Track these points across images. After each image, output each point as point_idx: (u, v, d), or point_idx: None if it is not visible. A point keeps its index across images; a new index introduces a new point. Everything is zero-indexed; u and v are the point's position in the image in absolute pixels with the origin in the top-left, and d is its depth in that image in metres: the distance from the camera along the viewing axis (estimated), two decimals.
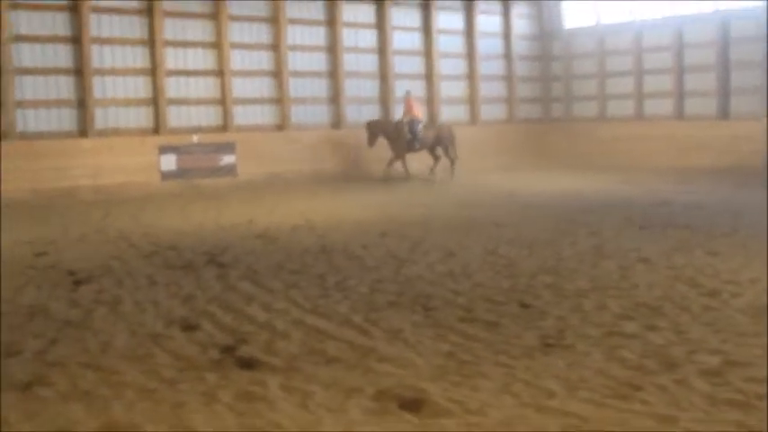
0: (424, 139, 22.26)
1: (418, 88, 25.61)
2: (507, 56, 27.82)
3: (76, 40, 19.70)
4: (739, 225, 12.31)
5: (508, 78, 27.85)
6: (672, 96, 25.19)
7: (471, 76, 26.86)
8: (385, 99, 24.82)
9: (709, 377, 5.41)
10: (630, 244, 10.87)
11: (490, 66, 27.34)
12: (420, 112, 22.89)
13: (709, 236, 11.36)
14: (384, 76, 24.78)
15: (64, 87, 19.74)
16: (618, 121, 26.49)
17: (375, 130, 22.25)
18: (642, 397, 5.10)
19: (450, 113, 26.27)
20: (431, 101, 25.81)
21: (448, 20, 26.33)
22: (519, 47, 28.08)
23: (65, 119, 19.81)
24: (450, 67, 26.34)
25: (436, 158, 22.84)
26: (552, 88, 28.81)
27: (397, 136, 21.97)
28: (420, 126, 22.12)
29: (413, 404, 5.07)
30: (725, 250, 10.17)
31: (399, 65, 25.15)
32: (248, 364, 6.01)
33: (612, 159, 24.74)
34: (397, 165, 22.27)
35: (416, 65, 25.73)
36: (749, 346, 6.06)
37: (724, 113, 24.01)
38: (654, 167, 23.18)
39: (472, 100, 26.89)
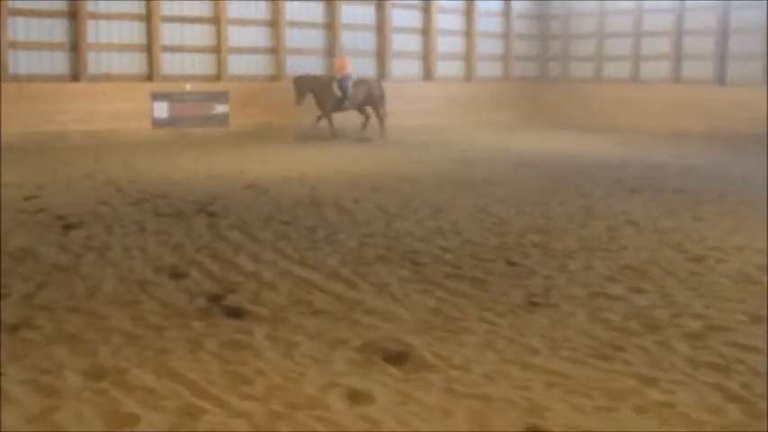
0: (355, 97, 20.93)
1: (415, 43, 25.45)
2: (506, 13, 27.61)
3: None
4: (729, 191, 12.35)
5: (506, 36, 27.68)
6: (669, 59, 25.09)
7: (468, 32, 26.67)
8: (381, 52, 24.65)
9: (691, 340, 5.48)
10: (620, 206, 10.90)
11: (488, 22, 27.15)
12: (350, 68, 21.34)
13: (698, 201, 11.40)
14: (381, 29, 24.59)
15: (58, 30, 19.55)
16: (614, 82, 26.39)
17: (303, 86, 20.64)
18: (624, 357, 5.16)
19: (445, 69, 26.14)
20: (427, 56, 25.66)
21: None
22: (518, 5, 27.86)
23: (58, 62, 19.65)
24: (447, 22, 26.14)
25: (366, 117, 21.44)
26: (550, 47, 28.66)
27: (327, 94, 20.63)
28: (350, 84, 20.77)
29: (397, 357, 5.12)
30: (713, 216, 10.22)
31: (397, 19, 24.94)
32: (235, 313, 6.05)
33: (608, 121, 24.71)
34: (323, 124, 20.93)
35: (414, 19, 25.52)
36: (732, 312, 6.12)
37: (721, 79, 23.94)
38: (649, 130, 23.17)
39: (468, 56, 26.74)
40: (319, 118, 20.73)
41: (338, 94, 20.65)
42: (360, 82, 21.19)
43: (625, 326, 5.79)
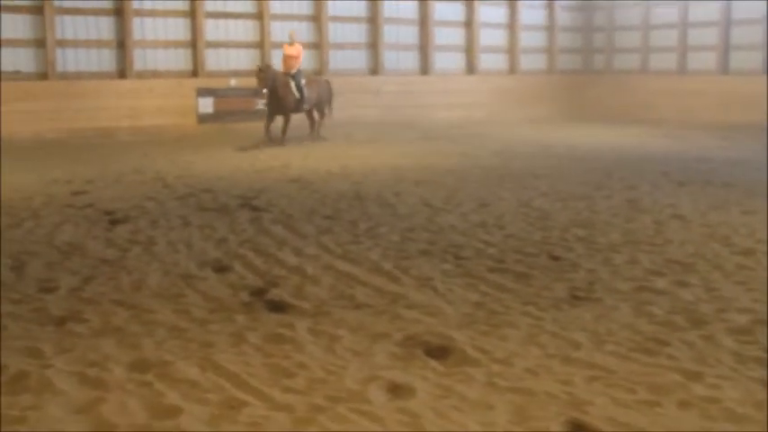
0: (310, 98, 18.67)
1: (458, 37, 25.36)
2: (549, 5, 27.39)
3: None
4: None
5: (549, 28, 27.46)
6: (716, 50, 24.70)
7: (512, 25, 26.51)
8: (424, 46, 24.61)
9: (737, 335, 5.39)
10: (667, 200, 10.77)
11: (532, 15, 26.96)
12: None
13: (747, 194, 11.21)
14: (424, 22, 24.54)
15: (104, 28, 19.82)
16: (660, 74, 26.07)
17: (267, 79, 17.82)
18: (668, 352, 5.10)
19: (488, 63, 26.02)
20: (470, 49, 25.55)
21: None
22: None
23: (104, 59, 19.93)
24: (490, 15, 26.00)
25: (312, 121, 19.27)
26: (594, 39, 28.37)
27: (284, 93, 18.01)
28: (303, 81, 18.48)
29: (439, 351, 5.11)
30: (762, 209, 10.03)
31: (440, 13, 24.87)
32: (278, 306, 6.09)
33: (653, 113, 24.42)
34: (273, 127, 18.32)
35: (457, 12, 25.43)
36: None
37: None
38: (696, 123, 22.83)
39: (512, 49, 26.58)
40: (269, 122, 18.14)
41: (296, 95, 18.18)
42: (311, 81, 19.06)
43: (670, 320, 5.72)
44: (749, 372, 4.75)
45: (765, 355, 5.00)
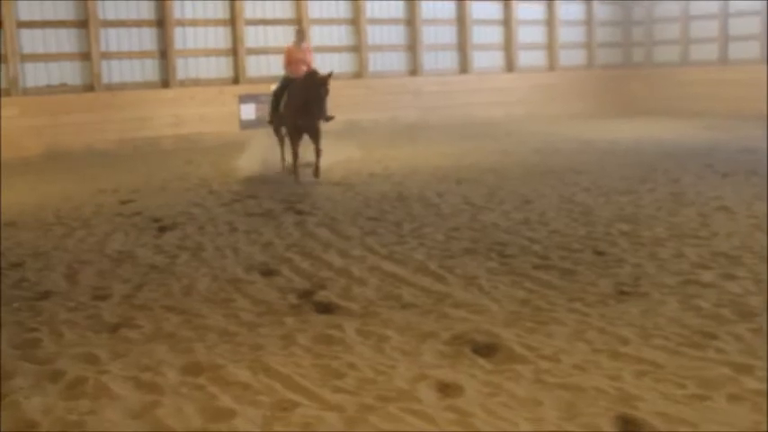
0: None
1: (496, 35, 25.28)
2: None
3: None
4: None
5: (588, 23, 27.24)
6: (758, 39, 24.33)
7: (550, 21, 26.35)
8: (463, 46, 24.55)
9: None
10: (711, 192, 10.65)
11: (569, 10, 26.76)
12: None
13: None
14: (462, 21, 24.49)
15: (147, 39, 20.07)
16: (701, 65, 25.72)
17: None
18: (717, 345, 5.05)
19: (527, 59, 25.89)
20: (508, 47, 25.44)
21: None
22: None
23: (148, 70, 20.17)
24: (528, 12, 25.87)
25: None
26: (633, 32, 28.08)
27: (306, 106, 12.89)
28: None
29: (486, 349, 5.12)
30: None
31: (477, 12, 24.80)
32: (326, 308, 6.14)
33: (695, 105, 24.09)
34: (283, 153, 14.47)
35: (495, 11, 25.34)
36: None
37: None
38: (738, 113, 22.49)
39: (551, 46, 26.41)
40: (296, 146, 13.40)
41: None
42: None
43: (717, 313, 5.67)
44: None
45: None
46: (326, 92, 12.87)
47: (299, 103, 13.07)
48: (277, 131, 14.52)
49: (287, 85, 13.91)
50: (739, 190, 10.72)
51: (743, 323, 5.45)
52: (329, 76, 12.86)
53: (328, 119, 13.13)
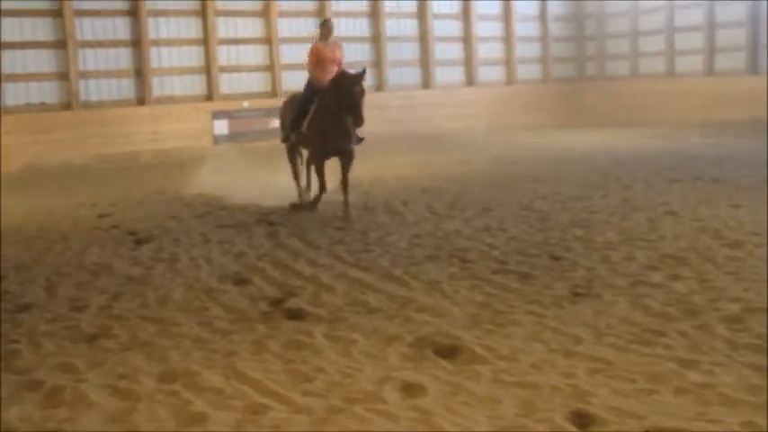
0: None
1: (457, 51, 25.41)
2: (542, 17, 27.41)
3: (134, 13, 19.89)
4: (765, 178, 12.10)
5: (543, 39, 27.48)
6: (703, 53, 24.69)
7: (507, 37, 26.54)
8: (425, 62, 24.65)
9: (729, 323, 5.40)
10: (660, 197, 10.77)
11: (525, 27, 26.98)
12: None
13: (735, 188, 11.21)
14: (424, 39, 24.60)
15: (123, 58, 19.99)
16: (650, 78, 26.04)
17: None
18: (665, 342, 5.11)
19: (487, 74, 26.05)
20: (468, 63, 25.58)
21: None
22: (553, 7, 27.64)
23: (124, 88, 20.07)
24: (486, 29, 26.05)
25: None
26: (586, 47, 28.37)
27: (339, 122, 10.39)
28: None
29: (448, 351, 5.14)
30: (750, 202, 10.03)
31: (438, 29, 24.93)
32: (295, 315, 6.13)
33: (646, 116, 24.36)
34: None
35: (455, 28, 25.48)
36: None
37: (754, 68, 23.50)
38: (686, 123, 22.78)
39: (508, 61, 26.60)
40: (310, 171, 11.70)
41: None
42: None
43: (665, 312, 5.74)
44: (741, 358, 4.77)
45: (757, 342, 5.01)
46: (362, 92, 10.09)
47: (331, 117, 10.32)
48: (292, 153, 11.66)
49: (312, 95, 10.80)
50: (686, 195, 10.85)
51: (688, 320, 5.52)
52: (363, 73, 10.23)
53: (359, 140, 10.76)
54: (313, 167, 11.25)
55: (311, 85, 10.91)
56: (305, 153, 11.66)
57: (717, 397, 4.24)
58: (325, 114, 10.41)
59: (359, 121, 10.02)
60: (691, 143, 18.13)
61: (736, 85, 23.16)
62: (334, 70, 10.80)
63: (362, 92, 10.07)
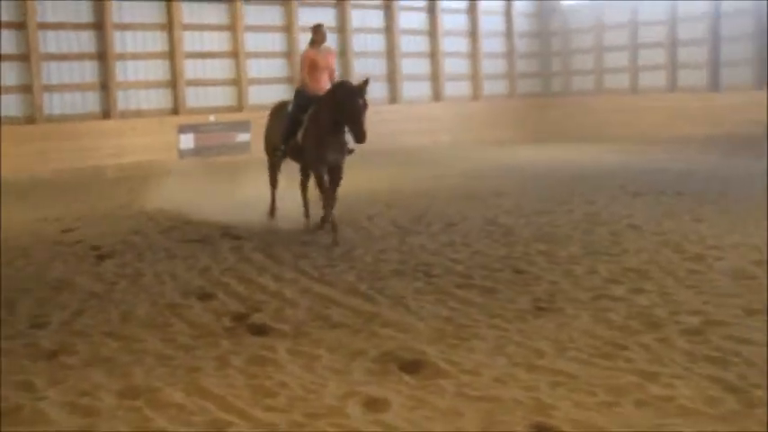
0: None
1: (423, 66, 25.54)
2: (508, 33, 27.68)
3: (99, 26, 19.76)
4: (727, 192, 12.31)
5: (509, 55, 27.73)
6: (665, 69, 25.09)
7: (474, 53, 26.75)
8: (393, 77, 24.76)
9: (689, 336, 5.48)
10: (623, 211, 10.89)
11: (492, 43, 27.22)
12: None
13: (697, 203, 11.37)
14: (391, 54, 24.71)
15: (88, 71, 19.83)
16: (614, 94, 26.39)
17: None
18: (626, 355, 5.17)
19: (453, 90, 26.22)
20: (435, 78, 25.73)
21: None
22: (519, 24, 27.92)
23: (89, 101, 19.92)
24: (453, 44, 26.23)
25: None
26: (552, 63, 28.67)
27: (336, 134, 9.85)
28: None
29: (412, 366, 5.15)
30: (712, 216, 10.19)
31: (405, 44, 25.06)
32: (259, 330, 6.10)
33: (610, 131, 24.68)
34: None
35: (422, 43, 25.63)
36: (729, 307, 6.12)
37: (715, 85, 23.91)
38: (649, 138, 23.11)
39: (475, 76, 26.80)
40: (322, 180, 10.13)
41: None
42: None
43: (627, 325, 5.80)
44: (700, 370, 4.83)
45: (715, 354, 5.08)
46: (365, 105, 9.41)
47: (328, 129, 9.74)
48: (275, 167, 11.37)
49: (305, 103, 10.20)
50: (648, 209, 10.98)
51: (650, 333, 5.58)
52: (366, 84, 9.51)
53: (350, 151, 10.18)
54: (307, 183, 10.96)
55: (303, 94, 10.37)
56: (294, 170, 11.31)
57: (676, 409, 4.30)
58: (321, 126, 9.84)
59: (361, 136, 9.31)
60: (653, 158, 18.37)
61: (697, 102, 23.55)
62: (326, 79, 10.40)
63: (365, 104, 9.41)
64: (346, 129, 9.66)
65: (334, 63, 10.72)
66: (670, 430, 4.05)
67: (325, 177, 9.98)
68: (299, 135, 10.18)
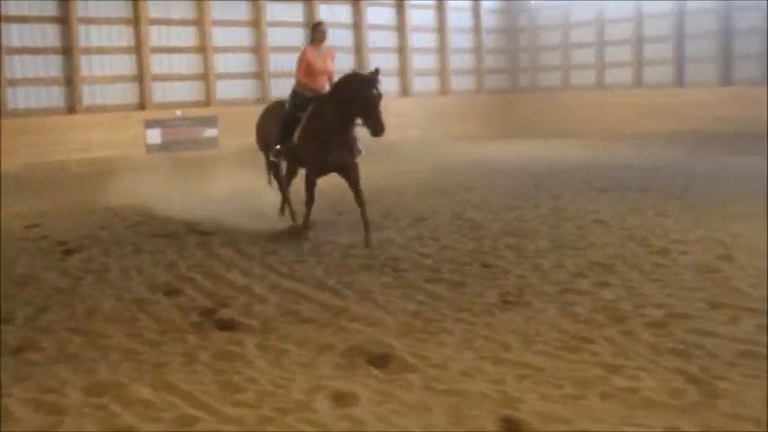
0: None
1: (392, 61, 25.54)
2: (476, 29, 27.76)
3: (64, 20, 19.50)
4: (691, 187, 12.46)
5: (477, 50, 27.82)
6: (631, 66, 25.33)
7: (442, 49, 26.81)
8: (360, 71, 24.68)
9: (654, 329, 5.55)
10: (589, 206, 10.98)
11: (460, 39, 27.29)
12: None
13: (662, 198, 11.49)
14: (359, 49, 24.68)
15: (52, 66, 19.57)
16: (581, 90, 26.58)
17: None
18: (592, 348, 5.22)
19: (422, 85, 26.26)
20: (403, 73, 25.75)
21: None
22: (487, 20, 28.01)
23: (54, 96, 19.66)
24: (421, 40, 26.26)
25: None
26: (519, 59, 28.81)
27: (335, 129, 9.16)
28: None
29: (380, 359, 5.16)
30: (676, 211, 10.31)
31: (374, 39, 25.05)
32: (227, 325, 6.08)
33: (576, 127, 24.85)
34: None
35: (390, 39, 25.64)
36: (692, 300, 6.21)
37: (680, 81, 24.18)
38: (615, 134, 23.31)
39: (443, 72, 26.86)
40: (287, 194, 10.73)
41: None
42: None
43: (592, 318, 5.86)
44: (664, 362, 4.90)
45: (679, 347, 5.15)
46: (380, 95, 8.83)
47: (332, 126, 9.09)
48: (274, 168, 10.78)
49: (302, 103, 9.60)
50: (615, 204, 11.08)
51: (615, 327, 5.64)
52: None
53: (359, 152, 9.51)
54: (291, 180, 10.53)
55: (299, 95, 9.73)
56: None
57: (641, 401, 4.35)
58: (323, 123, 9.09)
59: (379, 128, 8.67)
60: (619, 154, 18.53)
61: (662, 98, 23.80)
62: (324, 83, 9.69)
63: (380, 95, 8.79)
64: (358, 124, 8.99)
65: (332, 64, 9.93)
66: (636, 422, 4.10)
67: (315, 187, 9.48)
68: (296, 135, 9.46)
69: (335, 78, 9.60)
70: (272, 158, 10.36)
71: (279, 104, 10.65)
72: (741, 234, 8.64)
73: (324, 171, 9.46)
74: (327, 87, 9.65)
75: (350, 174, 9.33)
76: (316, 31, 9.87)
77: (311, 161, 9.40)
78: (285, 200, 10.79)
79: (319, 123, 9.15)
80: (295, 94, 9.85)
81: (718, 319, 5.71)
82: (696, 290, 6.51)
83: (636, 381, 4.61)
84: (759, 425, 4.03)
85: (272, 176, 10.96)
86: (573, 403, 4.35)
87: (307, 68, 9.63)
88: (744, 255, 7.69)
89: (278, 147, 9.85)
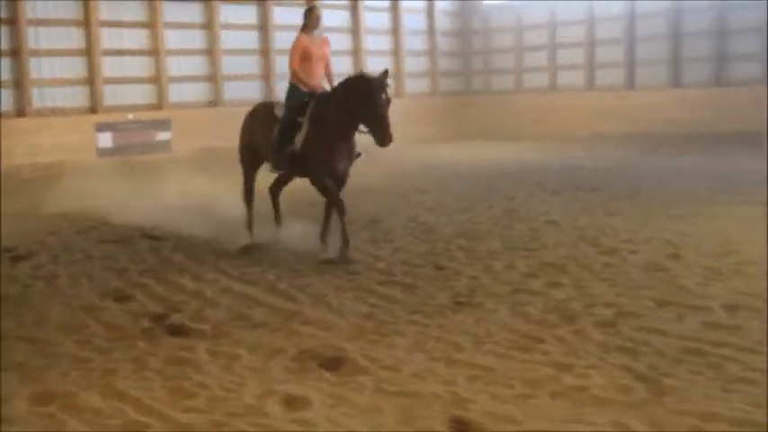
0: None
1: (346, 63, 25.52)
2: (430, 31, 27.89)
3: (12, 21, 19.17)
4: (641, 188, 12.65)
5: (431, 53, 27.95)
6: (583, 68, 25.64)
7: (396, 51, 26.88)
8: None
9: (603, 327, 5.63)
10: (542, 207, 11.10)
11: (414, 41, 27.38)
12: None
13: (613, 198, 11.66)
14: None
15: (1, 68, 19.22)
16: (534, 92, 26.83)
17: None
18: (543, 348, 5.28)
19: None
20: None
21: None
22: (441, 22, 28.14)
23: (2, 99, 19.30)
24: (376, 43, 26.31)
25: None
26: (473, 62, 28.98)
27: (342, 134, 8.52)
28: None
29: (332, 363, 5.17)
30: (626, 211, 10.47)
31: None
32: (178, 331, 6.03)
33: (529, 129, 25.07)
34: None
35: (344, 41, 25.63)
36: (641, 299, 6.32)
37: (631, 84, 24.53)
38: (567, 136, 23.56)
39: (397, 74, 26.91)
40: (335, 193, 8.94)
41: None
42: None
43: (544, 318, 5.92)
44: (613, 360, 4.97)
45: (627, 344, 5.23)
46: (389, 100, 8.16)
47: (339, 131, 8.41)
48: (249, 180, 9.94)
49: (301, 102, 8.75)
50: (566, 205, 11.21)
51: (566, 326, 5.71)
52: (386, 74, 8.28)
53: (358, 155, 8.94)
54: (280, 189, 9.85)
55: (296, 90, 8.83)
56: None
57: (590, 398, 4.41)
58: (329, 128, 8.38)
59: (386, 138, 8.02)
60: (571, 155, 18.75)
61: (614, 100, 24.13)
62: (321, 72, 8.86)
63: (389, 100, 8.12)
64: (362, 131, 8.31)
65: (329, 51, 9.07)
66: (585, 420, 4.15)
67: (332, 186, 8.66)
68: (298, 141, 8.61)
69: (334, 73, 9.06)
70: (269, 170, 9.46)
71: (265, 107, 9.66)
72: (689, 233, 8.80)
73: (330, 176, 8.64)
74: (324, 79, 8.93)
75: (342, 180, 8.83)
76: (309, 17, 8.97)
77: (320, 169, 8.59)
78: (276, 213, 9.88)
79: (326, 128, 8.40)
80: (291, 92, 8.92)
81: (666, 317, 5.81)
82: (644, 288, 6.62)
83: (585, 379, 4.67)
84: (704, 420, 4.11)
85: (245, 191, 9.90)
86: (523, 403, 4.39)
87: (303, 55, 8.74)
88: (691, 254, 7.84)
89: (277, 157, 8.92)
